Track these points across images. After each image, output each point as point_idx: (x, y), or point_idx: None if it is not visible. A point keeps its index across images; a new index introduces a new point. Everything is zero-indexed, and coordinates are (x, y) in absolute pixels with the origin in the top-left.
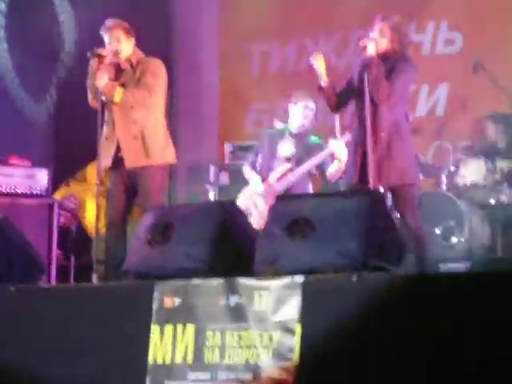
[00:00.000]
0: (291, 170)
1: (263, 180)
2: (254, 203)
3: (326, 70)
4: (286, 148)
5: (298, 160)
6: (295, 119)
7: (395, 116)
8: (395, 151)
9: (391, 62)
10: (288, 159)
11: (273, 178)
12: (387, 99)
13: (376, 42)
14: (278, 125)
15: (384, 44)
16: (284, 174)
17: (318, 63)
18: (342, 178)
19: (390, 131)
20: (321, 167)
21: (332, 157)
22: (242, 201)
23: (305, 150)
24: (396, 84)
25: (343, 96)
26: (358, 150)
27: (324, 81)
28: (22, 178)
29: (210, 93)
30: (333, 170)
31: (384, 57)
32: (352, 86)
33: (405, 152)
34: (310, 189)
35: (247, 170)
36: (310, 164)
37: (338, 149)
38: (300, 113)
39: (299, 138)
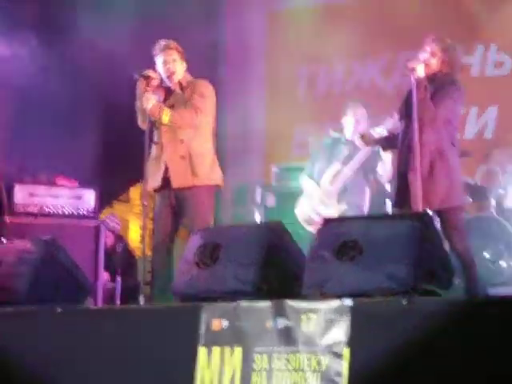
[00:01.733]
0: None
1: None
2: (316, 211)
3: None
4: (342, 154)
5: (345, 157)
6: (348, 128)
7: (439, 140)
8: (437, 175)
9: (438, 85)
10: (342, 163)
11: (325, 180)
12: (432, 122)
13: (425, 64)
14: (334, 134)
15: (433, 66)
16: (336, 175)
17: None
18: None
19: (433, 155)
20: (373, 171)
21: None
22: (303, 211)
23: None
24: (441, 107)
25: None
26: (400, 173)
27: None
28: (70, 198)
29: (257, 114)
30: (380, 171)
31: (432, 79)
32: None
33: (447, 174)
34: (368, 192)
35: (304, 179)
36: (356, 161)
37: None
38: (351, 122)
39: (354, 143)
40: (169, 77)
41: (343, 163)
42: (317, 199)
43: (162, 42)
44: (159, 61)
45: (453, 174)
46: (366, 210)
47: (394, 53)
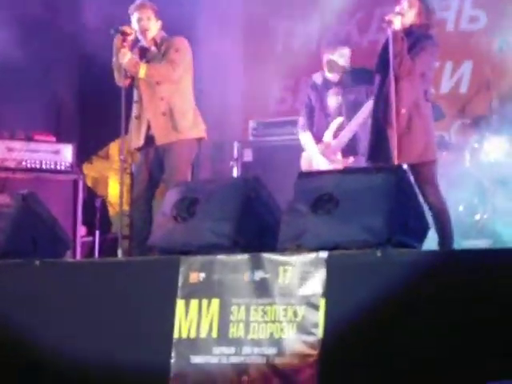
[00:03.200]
0: (343, 124)
1: (319, 141)
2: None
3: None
4: (333, 100)
5: (348, 111)
6: (335, 67)
7: (415, 93)
8: (415, 128)
9: (414, 38)
10: (339, 112)
11: (328, 136)
12: (408, 75)
13: (402, 15)
14: (318, 78)
15: (411, 17)
16: (338, 130)
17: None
18: None
19: (410, 108)
20: None
21: None
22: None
23: (354, 94)
24: (417, 60)
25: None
26: (376, 125)
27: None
28: (48, 153)
29: (234, 70)
30: None
31: (408, 32)
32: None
33: (424, 130)
34: None
35: (301, 135)
36: (361, 116)
37: None
38: (338, 60)
39: (343, 85)
40: (142, 33)
41: (347, 117)
42: (319, 155)
43: (138, 1)
44: (134, 19)
45: (428, 128)
46: None
47: (369, 8)
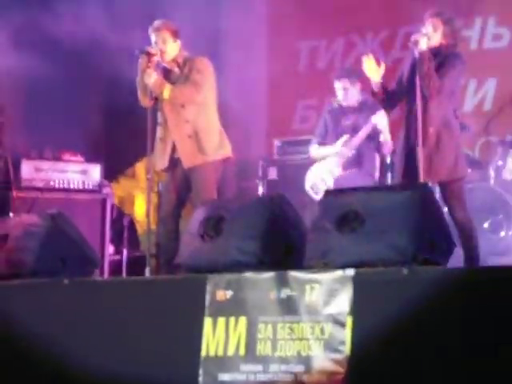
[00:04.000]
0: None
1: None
2: (322, 179)
3: (376, 72)
4: (347, 124)
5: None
6: (339, 96)
7: (444, 111)
8: (444, 146)
9: (442, 57)
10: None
11: (337, 145)
12: (437, 94)
13: (428, 37)
14: (335, 103)
15: (436, 39)
16: (345, 144)
17: (368, 67)
18: (394, 151)
19: (439, 126)
20: (376, 143)
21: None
22: (310, 179)
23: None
24: (446, 79)
25: (394, 97)
26: (407, 145)
27: (375, 84)
28: (76, 173)
29: (259, 89)
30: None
31: (435, 52)
32: (401, 86)
33: (454, 147)
34: (378, 160)
35: (315, 148)
36: (361, 136)
37: (380, 121)
38: (341, 91)
39: (358, 111)
40: (160, 56)
41: (351, 135)
42: (327, 166)
43: (155, 23)
44: (152, 41)
45: (458, 147)
46: (376, 177)
47: (393, 27)
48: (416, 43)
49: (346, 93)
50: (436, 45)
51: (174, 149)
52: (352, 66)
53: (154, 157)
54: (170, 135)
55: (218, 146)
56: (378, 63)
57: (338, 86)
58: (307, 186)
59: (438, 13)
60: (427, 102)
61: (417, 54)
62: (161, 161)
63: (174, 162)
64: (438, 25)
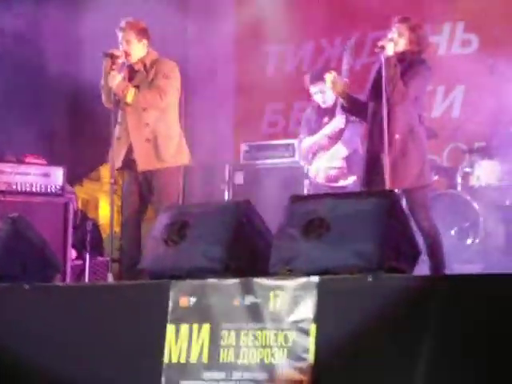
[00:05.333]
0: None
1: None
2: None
3: (340, 86)
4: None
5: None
6: (317, 99)
7: (409, 118)
8: (410, 153)
9: (407, 63)
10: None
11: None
12: (402, 100)
13: (394, 43)
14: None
15: (402, 45)
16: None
17: (332, 84)
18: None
19: (404, 133)
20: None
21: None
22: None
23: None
24: (411, 85)
25: (364, 105)
26: (371, 151)
27: (343, 101)
28: (38, 176)
29: (226, 93)
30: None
31: (401, 58)
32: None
33: (419, 155)
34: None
35: (306, 141)
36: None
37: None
38: (318, 95)
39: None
40: (125, 56)
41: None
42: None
43: (121, 22)
44: (119, 40)
45: (422, 154)
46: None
47: (362, 33)
48: (382, 48)
49: (323, 95)
50: (402, 51)
51: (130, 150)
52: (323, 69)
53: (109, 157)
54: (128, 136)
55: (175, 153)
56: (340, 76)
57: (314, 89)
58: (320, 181)
59: (404, 19)
60: (392, 107)
61: (383, 60)
62: (116, 160)
63: (129, 163)
64: (404, 31)
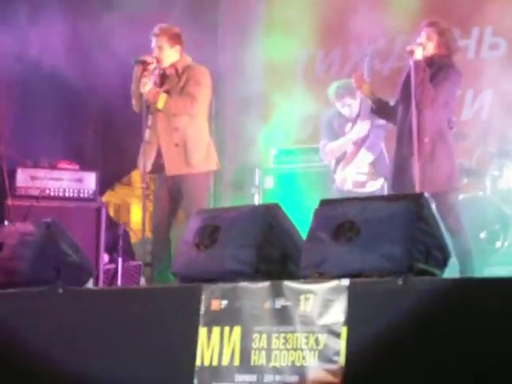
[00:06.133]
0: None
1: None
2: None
3: (369, 88)
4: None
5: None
6: (344, 112)
7: (438, 122)
8: (439, 157)
9: (436, 68)
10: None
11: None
12: (431, 104)
13: (423, 47)
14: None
15: (431, 49)
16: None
17: (360, 86)
18: None
19: (433, 137)
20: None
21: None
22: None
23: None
24: (440, 89)
25: (392, 109)
26: (399, 155)
27: (372, 103)
28: (71, 181)
29: (257, 98)
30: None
31: (430, 62)
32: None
33: (448, 158)
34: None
35: (328, 146)
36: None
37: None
38: (345, 108)
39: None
40: (157, 63)
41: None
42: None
43: (155, 28)
44: (152, 46)
45: (453, 157)
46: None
47: (390, 37)
48: (411, 53)
49: (349, 108)
50: (430, 55)
51: (159, 154)
52: (346, 82)
53: (139, 160)
54: (158, 140)
55: (203, 159)
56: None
57: (340, 104)
58: (347, 187)
59: (432, 23)
60: (421, 112)
61: (412, 64)
62: (146, 164)
63: (158, 168)
64: (433, 35)
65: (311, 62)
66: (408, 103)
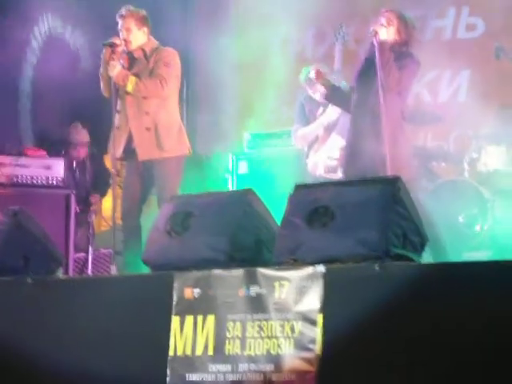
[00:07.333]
0: None
1: None
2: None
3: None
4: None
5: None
6: (315, 97)
7: (401, 106)
8: (401, 144)
9: (395, 56)
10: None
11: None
12: (396, 86)
13: (386, 29)
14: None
15: (391, 34)
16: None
17: (319, 77)
18: None
19: (394, 122)
20: None
21: None
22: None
23: None
24: (404, 72)
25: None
26: (355, 138)
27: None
28: (38, 168)
29: (230, 81)
30: None
31: (392, 46)
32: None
33: (408, 147)
34: None
35: (300, 131)
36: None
37: None
38: (317, 93)
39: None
40: (125, 44)
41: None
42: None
43: (122, 10)
44: (119, 28)
45: (410, 147)
46: None
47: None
48: (376, 33)
49: (320, 93)
50: (392, 39)
51: (130, 139)
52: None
53: (110, 146)
54: (128, 125)
55: (176, 143)
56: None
57: (311, 91)
58: (319, 173)
59: (390, 10)
60: (384, 94)
61: (376, 44)
62: (116, 149)
63: (130, 153)
64: (392, 19)
65: (285, 43)
66: (367, 88)
